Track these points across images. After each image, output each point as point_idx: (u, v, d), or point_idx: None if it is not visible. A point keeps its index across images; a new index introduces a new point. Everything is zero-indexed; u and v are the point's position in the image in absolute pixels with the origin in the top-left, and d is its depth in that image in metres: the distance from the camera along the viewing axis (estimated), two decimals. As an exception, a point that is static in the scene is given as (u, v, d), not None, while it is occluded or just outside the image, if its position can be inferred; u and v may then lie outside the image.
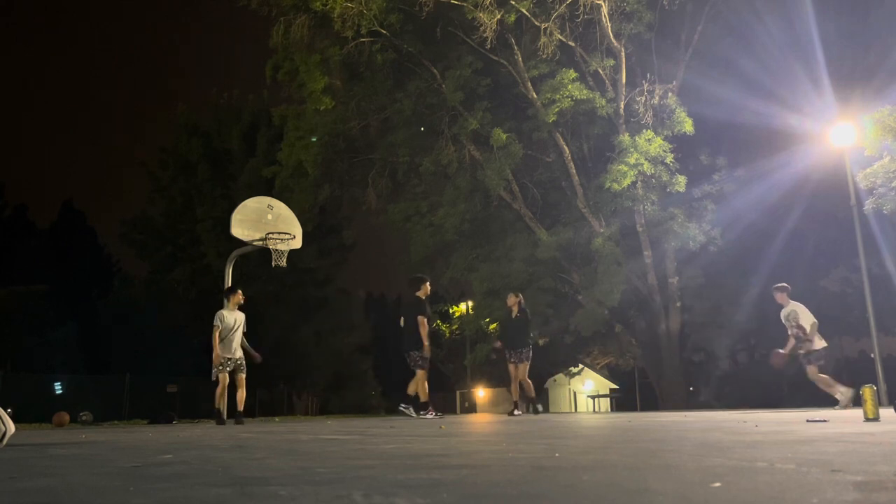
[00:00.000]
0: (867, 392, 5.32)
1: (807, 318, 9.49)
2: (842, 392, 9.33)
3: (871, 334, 15.01)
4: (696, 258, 18.11)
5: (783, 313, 9.70)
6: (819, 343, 9.49)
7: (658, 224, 17.88)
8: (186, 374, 21.41)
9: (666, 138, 17.11)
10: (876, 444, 2.78)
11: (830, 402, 9.66)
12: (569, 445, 3.10)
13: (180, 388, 21.42)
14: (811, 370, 9.45)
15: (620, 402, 29.02)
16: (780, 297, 9.75)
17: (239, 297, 9.69)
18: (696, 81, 18.05)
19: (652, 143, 16.73)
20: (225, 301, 9.83)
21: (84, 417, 12.86)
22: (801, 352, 9.55)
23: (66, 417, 11.19)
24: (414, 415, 9.46)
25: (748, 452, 2.43)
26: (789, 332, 9.59)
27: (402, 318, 9.71)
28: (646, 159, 16.60)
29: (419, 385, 9.48)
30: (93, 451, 3.52)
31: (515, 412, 10.89)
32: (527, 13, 17.29)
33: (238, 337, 9.59)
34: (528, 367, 10.63)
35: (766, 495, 1.44)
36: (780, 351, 9.65)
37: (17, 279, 27.81)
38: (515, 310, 10.89)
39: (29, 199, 76.46)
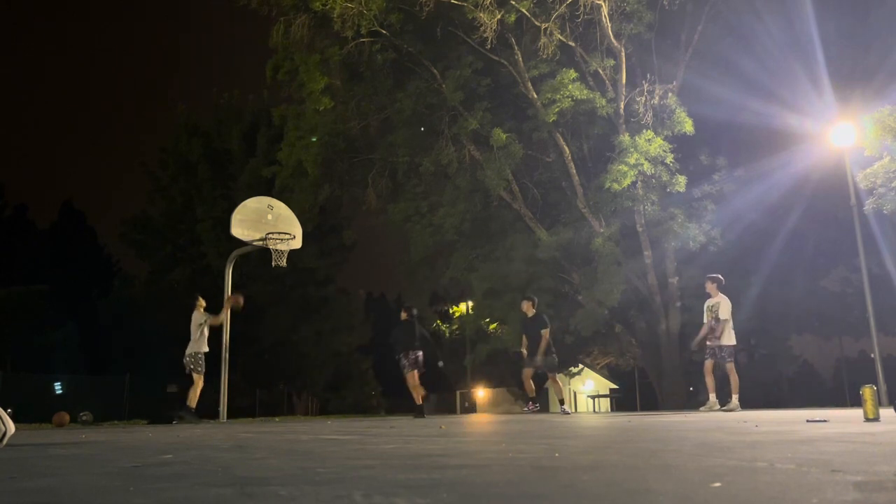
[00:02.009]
0: (867, 392, 5.30)
1: (725, 312, 9.89)
2: (710, 398, 9.86)
3: (871, 334, 15.01)
4: (696, 258, 18.09)
5: (709, 303, 10.12)
6: (730, 339, 9.87)
7: (658, 224, 17.87)
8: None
9: (666, 138, 17.10)
10: (876, 444, 2.78)
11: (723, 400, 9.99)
12: (569, 445, 3.10)
13: (180, 388, 21.40)
14: (729, 366, 9.83)
15: (620, 402, 28.98)
16: (710, 287, 10.17)
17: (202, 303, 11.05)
18: (696, 81, 18.03)
19: (652, 144, 16.72)
20: (197, 305, 10.96)
21: (84, 417, 12.85)
22: (709, 343, 9.94)
23: (66, 417, 11.19)
24: (570, 411, 10.95)
25: (748, 452, 2.43)
26: (705, 321, 10.06)
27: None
28: (646, 159, 16.60)
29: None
30: (93, 451, 3.52)
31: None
32: (527, 13, 17.28)
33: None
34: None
35: (766, 495, 1.44)
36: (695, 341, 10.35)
37: (17, 279, 27.83)
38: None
39: (29, 199, 76.51)
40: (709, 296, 10.21)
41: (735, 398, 9.62)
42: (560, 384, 11.12)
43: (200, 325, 10.68)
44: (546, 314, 11.17)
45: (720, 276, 10.24)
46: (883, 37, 17.71)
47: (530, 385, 10.99)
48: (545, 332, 10.58)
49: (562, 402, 11.02)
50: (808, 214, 19.58)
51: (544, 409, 37.65)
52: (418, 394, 10.78)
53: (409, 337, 10.78)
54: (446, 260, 21.70)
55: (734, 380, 9.73)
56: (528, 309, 11.05)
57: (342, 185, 21.92)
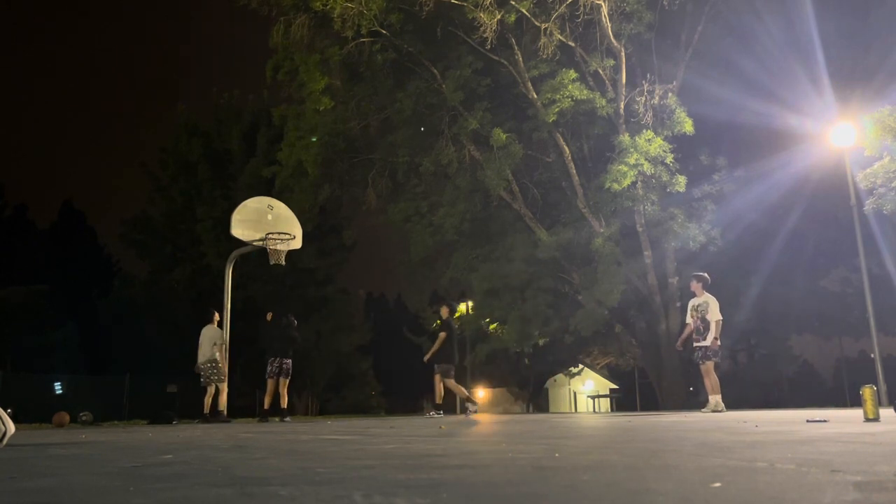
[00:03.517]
0: (867, 392, 5.30)
1: (714, 314, 9.61)
2: (718, 399, 9.50)
3: (871, 334, 15.02)
4: (696, 258, 18.09)
5: (694, 302, 9.90)
6: (716, 341, 9.58)
7: (658, 224, 17.87)
8: (186, 374, 21.38)
9: (666, 138, 17.10)
10: (876, 444, 2.78)
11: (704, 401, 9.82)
12: (569, 445, 3.10)
13: (180, 388, 21.39)
14: (706, 367, 9.56)
15: (620, 402, 28.98)
16: (695, 286, 9.96)
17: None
18: (696, 81, 18.04)
19: (652, 144, 16.73)
20: (213, 319, 11.59)
21: (84, 417, 12.82)
22: (696, 345, 9.71)
23: (66, 417, 11.17)
24: (436, 415, 10.80)
25: (748, 452, 2.43)
26: (690, 321, 9.82)
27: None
28: (646, 159, 16.60)
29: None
30: (93, 451, 3.52)
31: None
32: (527, 13, 17.28)
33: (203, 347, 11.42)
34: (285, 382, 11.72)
35: (766, 495, 1.44)
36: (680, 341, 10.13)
37: (17, 279, 27.79)
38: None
39: (29, 199, 76.30)
40: (693, 295, 10.03)
41: (712, 399, 9.44)
42: (441, 389, 10.98)
43: (215, 344, 11.13)
44: (452, 322, 11.47)
45: (706, 275, 10.03)
46: (883, 37, 17.72)
47: (439, 390, 11.00)
48: (441, 335, 11.02)
49: (437, 406, 11.07)
50: (808, 214, 19.59)
51: (544, 409, 37.64)
52: (270, 401, 11.53)
53: (283, 344, 11.55)
54: (446, 260, 21.70)
55: (710, 380, 9.49)
56: (444, 313, 11.49)
57: (342, 185, 21.92)
